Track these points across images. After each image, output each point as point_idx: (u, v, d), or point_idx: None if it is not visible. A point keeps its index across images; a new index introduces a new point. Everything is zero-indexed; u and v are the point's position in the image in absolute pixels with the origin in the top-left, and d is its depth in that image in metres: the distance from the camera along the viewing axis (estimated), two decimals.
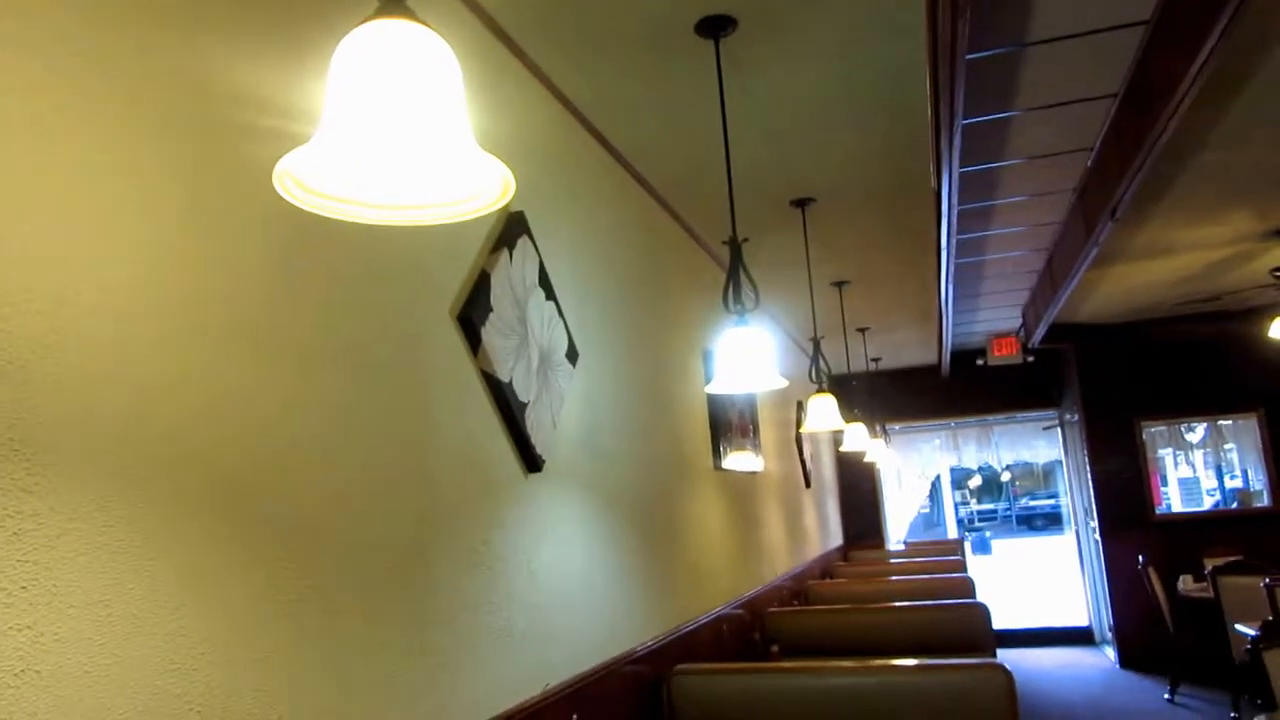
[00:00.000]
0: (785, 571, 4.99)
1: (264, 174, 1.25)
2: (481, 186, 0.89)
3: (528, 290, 2.07)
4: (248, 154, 1.26)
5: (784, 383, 2.15)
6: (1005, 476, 23.46)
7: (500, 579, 1.81)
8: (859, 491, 8.66)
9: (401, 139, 0.76)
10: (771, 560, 4.71)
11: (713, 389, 2.13)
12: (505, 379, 1.89)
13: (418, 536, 1.56)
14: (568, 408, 2.25)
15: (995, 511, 25.36)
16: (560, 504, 2.15)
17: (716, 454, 3.70)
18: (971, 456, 10.97)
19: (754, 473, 4.51)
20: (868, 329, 6.36)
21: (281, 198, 0.85)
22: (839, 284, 4.97)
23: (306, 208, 0.87)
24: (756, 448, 4.56)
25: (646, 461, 2.85)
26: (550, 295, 2.19)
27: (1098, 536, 7.14)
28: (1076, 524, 8.23)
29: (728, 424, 3.96)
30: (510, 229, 2.03)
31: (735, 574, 3.86)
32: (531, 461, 1.98)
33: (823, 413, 3.69)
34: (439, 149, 0.78)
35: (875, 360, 7.69)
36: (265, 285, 1.28)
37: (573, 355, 2.29)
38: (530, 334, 2.05)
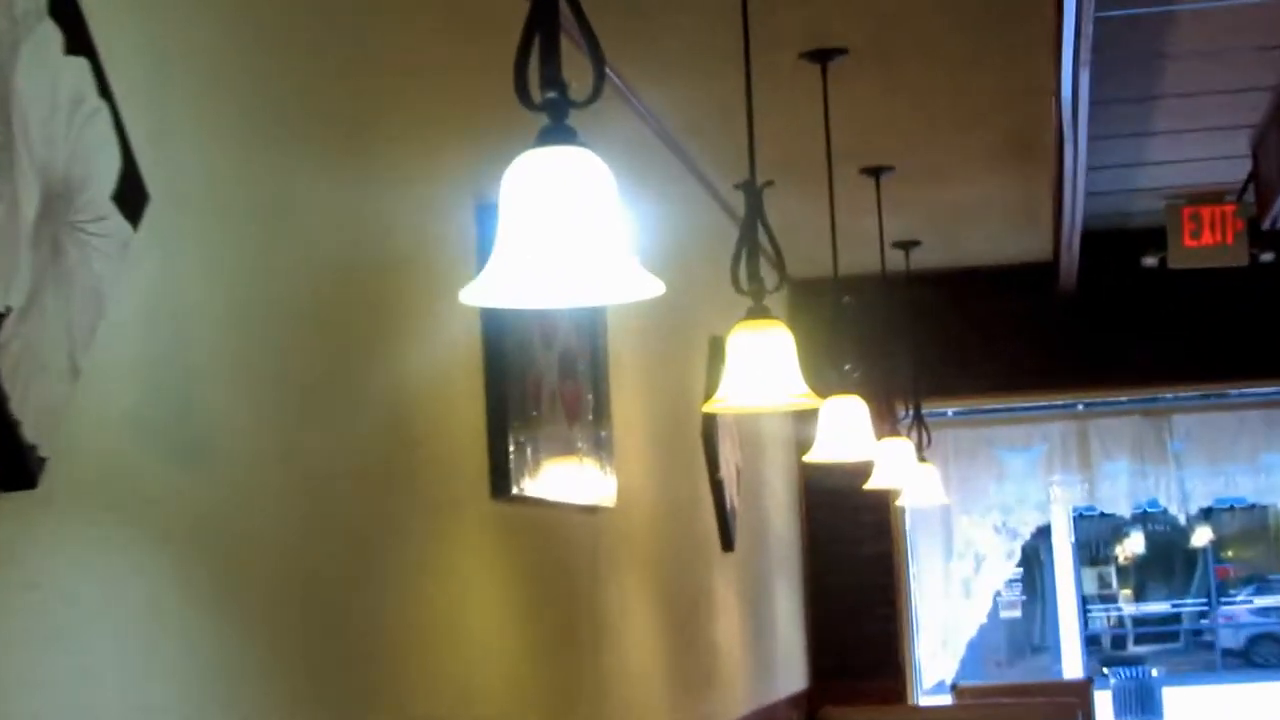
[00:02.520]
0: None
1: None
2: None
3: (19, 28, 2.04)
4: None
5: (659, 287, 2.19)
6: (1200, 538, 24.71)
7: None
8: (851, 564, 8.95)
9: None
10: None
11: (477, 296, 2.16)
12: None
13: None
14: (113, 332, 2.24)
15: (1176, 617, 26.71)
16: (85, 573, 2.15)
17: (501, 462, 3.75)
18: (1120, 489, 11.38)
19: (593, 509, 4.61)
20: (886, 171, 6.54)
21: None
22: (819, 55, 5.08)
23: None
24: (602, 449, 4.64)
25: (324, 476, 2.88)
26: (81, 45, 2.17)
27: None
28: None
29: (533, 388, 4.01)
30: None
31: None
32: (11, 463, 1.97)
33: (759, 366, 3.79)
34: None
35: (904, 247, 7.93)
36: None
37: (133, 200, 2.28)
38: (19, 140, 2.03)
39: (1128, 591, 26.72)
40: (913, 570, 9.62)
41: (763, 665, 7.22)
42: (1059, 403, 10.40)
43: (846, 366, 5.61)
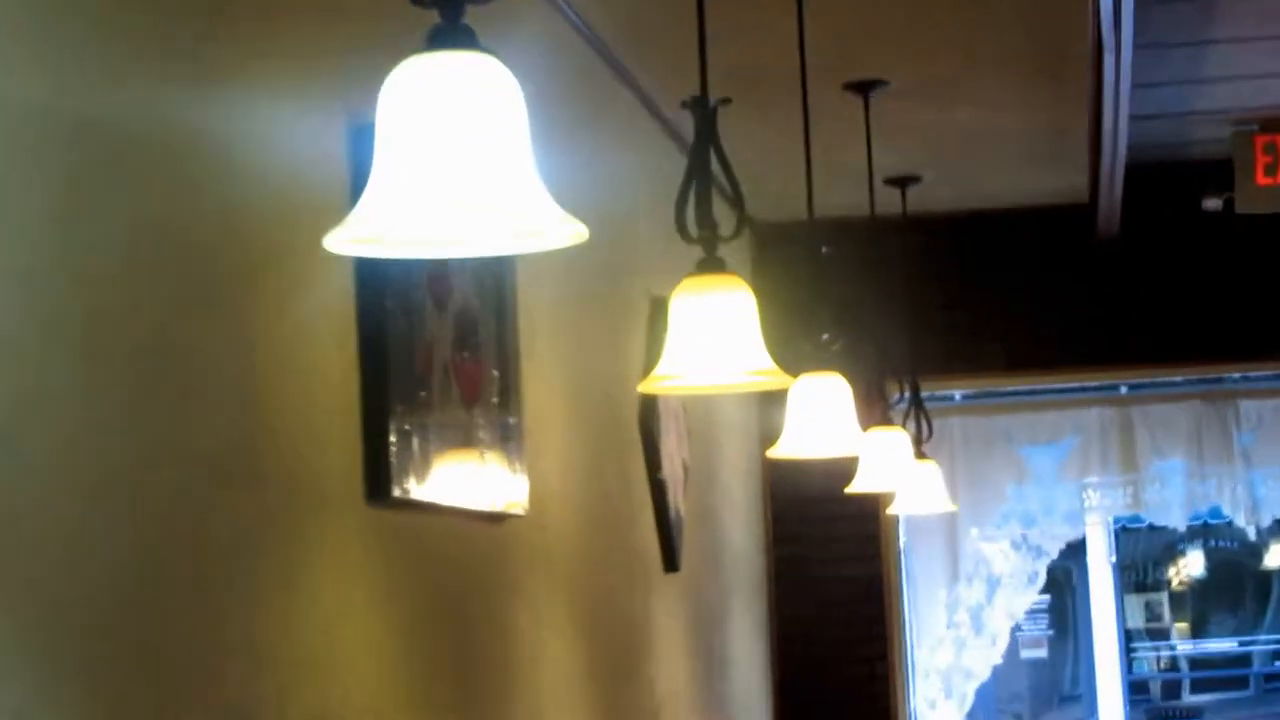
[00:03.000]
0: None
1: None
2: None
3: None
4: None
5: (581, 233, 2.20)
6: (1275, 557, 24.84)
7: None
8: (828, 589, 8.95)
9: None
10: None
11: (348, 243, 2.15)
12: None
13: None
14: None
15: (1245, 658, 26.80)
16: None
17: (379, 457, 3.76)
18: (1173, 495, 11.37)
19: (499, 516, 4.64)
20: (876, 86, 6.60)
21: None
22: None
23: None
24: (510, 441, 4.67)
25: (151, 472, 2.87)
26: None
27: None
28: None
29: (421, 362, 4.03)
30: None
31: None
32: None
33: (711, 334, 3.79)
34: None
35: (899, 184, 8.01)
36: None
37: None
38: None
39: (1183, 625, 26.71)
40: (908, 597, 9.62)
41: (715, 716, 7.23)
42: (1095, 384, 10.32)
43: (824, 336, 5.59)
